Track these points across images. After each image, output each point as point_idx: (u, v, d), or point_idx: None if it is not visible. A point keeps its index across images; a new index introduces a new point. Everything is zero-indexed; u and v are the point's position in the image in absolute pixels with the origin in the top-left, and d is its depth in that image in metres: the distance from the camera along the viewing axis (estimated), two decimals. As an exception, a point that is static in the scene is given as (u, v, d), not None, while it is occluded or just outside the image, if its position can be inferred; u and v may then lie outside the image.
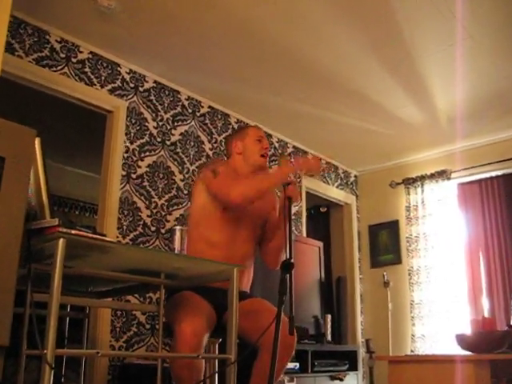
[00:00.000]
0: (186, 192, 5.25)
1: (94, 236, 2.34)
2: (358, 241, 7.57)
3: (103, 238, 2.37)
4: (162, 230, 4.91)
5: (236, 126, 5.84)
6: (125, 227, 4.69)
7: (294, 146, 6.73)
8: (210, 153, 5.58)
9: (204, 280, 2.98)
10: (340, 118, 6.00)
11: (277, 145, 6.50)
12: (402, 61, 4.85)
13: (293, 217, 6.22)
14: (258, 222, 3.41)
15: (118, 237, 4.62)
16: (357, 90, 5.39)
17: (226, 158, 3.57)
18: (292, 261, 2.66)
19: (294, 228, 6.26)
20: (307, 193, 6.89)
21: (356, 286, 7.35)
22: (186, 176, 5.26)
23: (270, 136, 6.42)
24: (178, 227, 3.31)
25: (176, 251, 3.22)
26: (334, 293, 7.27)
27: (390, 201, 7.32)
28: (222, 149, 5.70)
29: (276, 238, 3.37)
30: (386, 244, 7.15)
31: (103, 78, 4.81)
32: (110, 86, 4.85)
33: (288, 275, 2.63)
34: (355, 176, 7.79)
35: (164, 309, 2.96)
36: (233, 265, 2.84)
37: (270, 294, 3.59)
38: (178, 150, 5.29)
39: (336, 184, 7.36)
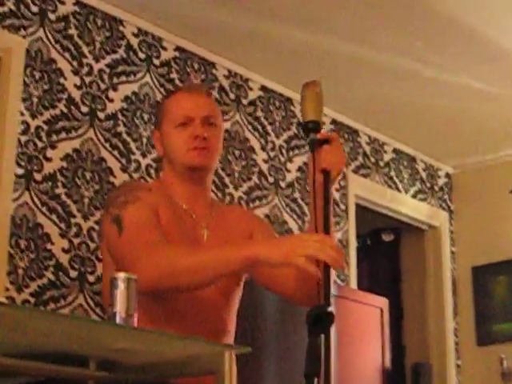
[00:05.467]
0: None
1: None
2: (454, 296, 6.72)
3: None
4: (91, 278, 4.46)
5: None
6: (21, 272, 4.31)
7: (333, 120, 5.88)
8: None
9: (167, 373, 2.67)
10: (416, 66, 5.36)
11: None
12: None
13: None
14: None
15: (7, 289, 4.18)
16: (448, 13, 4.89)
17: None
18: (330, 309, 2.07)
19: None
20: (358, 207, 6.10)
21: (450, 380, 6.48)
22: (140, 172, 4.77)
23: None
24: (121, 274, 2.55)
25: (118, 320, 2.52)
26: (408, 392, 6.68)
27: (514, 221, 6.65)
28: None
29: None
30: (506, 302, 6.44)
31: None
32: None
33: (323, 336, 2.05)
34: (448, 176, 7.03)
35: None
36: (224, 345, 2.51)
37: (290, 367, 3.93)
38: (121, 127, 4.77)
39: (412, 190, 6.60)
